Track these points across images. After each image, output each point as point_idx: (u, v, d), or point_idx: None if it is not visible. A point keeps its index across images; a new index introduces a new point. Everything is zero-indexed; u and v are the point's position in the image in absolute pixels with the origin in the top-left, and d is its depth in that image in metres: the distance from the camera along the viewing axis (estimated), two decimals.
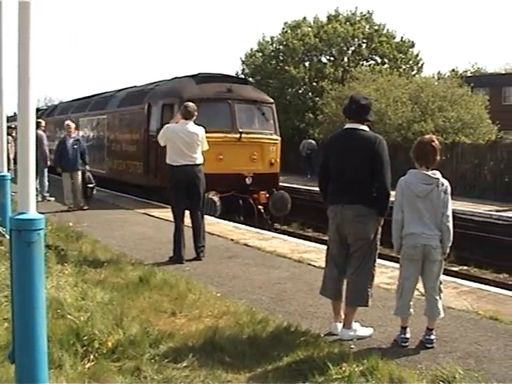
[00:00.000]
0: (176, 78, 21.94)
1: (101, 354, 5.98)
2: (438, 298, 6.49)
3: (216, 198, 17.46)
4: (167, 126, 11.05)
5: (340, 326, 6.79)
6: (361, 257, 6.70)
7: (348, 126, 6.89)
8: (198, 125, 10.80)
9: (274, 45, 50.66)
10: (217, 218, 16.28)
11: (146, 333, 6.47)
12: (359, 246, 6.69)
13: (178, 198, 10.65)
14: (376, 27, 49.01)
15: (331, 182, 6.88)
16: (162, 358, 5.94)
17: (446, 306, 7.18)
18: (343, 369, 5.68)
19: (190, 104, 10.83)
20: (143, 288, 8.39)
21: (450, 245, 6.47)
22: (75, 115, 28.60)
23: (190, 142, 10.54)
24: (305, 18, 51.01)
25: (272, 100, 20.97)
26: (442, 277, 6.74)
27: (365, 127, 6.81)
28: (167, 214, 11.20)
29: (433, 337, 6.48)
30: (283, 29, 50.87)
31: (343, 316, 6.81)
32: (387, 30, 49.07)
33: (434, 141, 6.52)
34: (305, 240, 14.62)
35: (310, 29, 49.15)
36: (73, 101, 34.11)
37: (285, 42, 48.80)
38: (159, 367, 5.78)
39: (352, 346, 6.38)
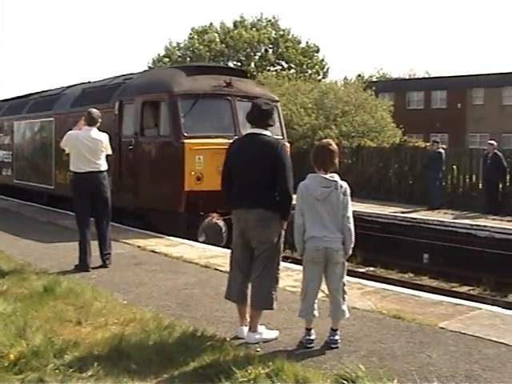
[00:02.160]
0: (152, 69, 19.09)
1: (2, 367, 5.84)
2: (341, 299, 6.59)
3: (221, 223, 14.29)
4: (70, 132, 10.90)
5: (246, 329, 6.81)
6: (265, 260, 6.73)
7: (250, 131, 6.96)
8: (102, 131, 10.73)
9: (181, 50, 50.64)
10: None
11: (50, 343, 6.36)
12: (263, 250, 6.72)
13: (82, 205, 10.51)
14: (282, 32, 49.57)
15: (234, 186, 6.90)
16: (66, 368, 5.86)
17: (350, 306, 7.29)
18: (249, 372, 5.72)
19: (94, 110, 10.73)
20: (48, 297, 8.23)
21: (352, 246, 6.58)
22: (7, 118, 24.74)
23: (94, 148, 10.43)
24: (211, 23, 51.21)
25: (277, 98, 17.95)
26: (347, 278, 6.85)
27: (267, 132, 6.86)
28: (73, 221, 11.01)
29: (337, 337, 6.57)
30: (190, 34, 50.95)
31: (249, 319, 6.83)
32: (293, 35, 49.70)
33: (331, 144, 6.64)
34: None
35: (216, 34, 49.40)
36: (3, 101, 28.10)
37: (192, 48, 48.84)
38: (63, 377, 5.70)
39: (258, 349, 6.42)
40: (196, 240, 13.67)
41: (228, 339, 6.72)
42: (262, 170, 6.68)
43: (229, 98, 15.41)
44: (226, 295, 7.13)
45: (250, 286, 6.86)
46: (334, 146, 6.64)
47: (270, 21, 50.95)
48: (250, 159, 6.75)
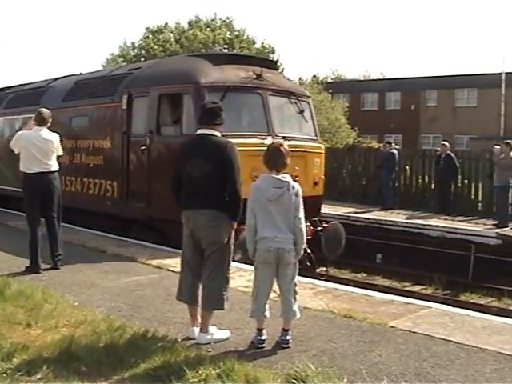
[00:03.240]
0: (170, 56, 15.83)
1: None
2: (293, 299, 6.61)
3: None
4: (20, 132, 10.79)
5: (197, 330, 6.80)
6: (215, 261, 6.74)
7: (200, 131, 6.98)
8: (53, 131, 10.58)
9: (136, 50, 50.39)
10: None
11: None
12: (213, 251, 6.73)
13: (32, 206, 10.37)
14: (236, 33, 49.64)
15: (184, 187, 6.91)
16: (14, 372, 5.79)
17: (302, 306, 7.34)
18: (200, 372, 5.73)
19: (45, 110, 10.60)
20: None
21: (303, 247, 6.62)
22: None
23: (44, 149, 10.31)
24: (166, 23, 51.06)
25: (308, 93, 15.55)
26: (299, 278, 6.88)
27: (217, 133, 6.88)
28: (24, 222, 10.86)
29: (288, 337, 6.60)
30: (145, 34, 50.72)
31: (200, 320, 6.82)
32: (248, 35, 49.79)
33: (282, 145, 6.67)
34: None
35: (171, 34, 49.24)
36: None
37: (146, 48, 48.63)
38: (11, 381, 5.63)
39: (209, 350, 6.43)
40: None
41: (179, 340, 6.72)
42: (211, 171, 6.69)
43: (260, 91, 13.21)
44: (177, 296, 7.12)
45: (200, 286, 6.86)
46: (286, 147, 6.67)
47: (224, 21, 51.03)
48: (200, 160, 6.76)
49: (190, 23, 50.90)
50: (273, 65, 14.76)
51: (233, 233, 6.87)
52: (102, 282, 9.52)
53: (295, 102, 14.13)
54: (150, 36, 50.33)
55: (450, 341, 6.85)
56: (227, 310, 6.99)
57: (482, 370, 6.03)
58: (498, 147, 17.94)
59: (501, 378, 5.84)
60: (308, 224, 11.87)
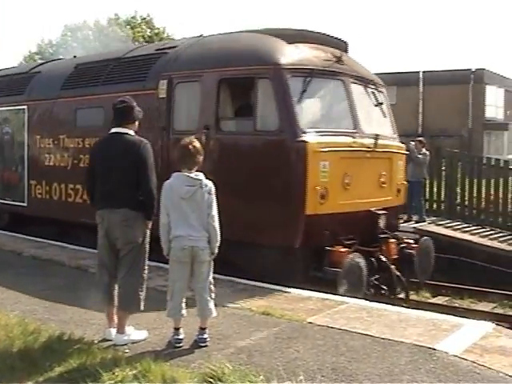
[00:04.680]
0: (228, 33, 12.03)
1: None
2: (208, 297, 6.60)
3: (362, 262, 9.54)
4: None
5: (114, 331, 6.72)
6: (130, 261, 6.68)
7: (113, 130, 6.91)
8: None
9: (54, 47, 49.64)
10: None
11: None
12: (128, 250, 6.67)
13: None
14: (156, 31, 49.44)
15: (98, 187, 6.82)
16: None
17: (220, 304, 7.33)
18: (116, 374, 5.70)
19: None
20: None
21: (218, 245, 6.62)
22: None
23: None
24: (85, 21, 50.47)
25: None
26: (218, 276, 6.87)
27: (130, 131, 6.83)
28: None
29: (206, 335, 6.58)
30: (63, 31, 50.00)
31: (117, 321, 6.74)
32: (167, 33, 49.65)
33: (191, 143, 6.66)
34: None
35: (90, 32, 48.67)
36: None
37: (65, 45, 47.90)
38: None
39: (126, 351, 6.37)
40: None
41: (96, 342, 6.64)
42: (125, 170, 6.63)
43: (342, 78, 10.73)
44: (94, 297, 7.03)
45: (116, 287, 6.78)
46: (197, 145, 6.67)
47: (144, 19, 50.75)
48: (113, 159, 6.69)
49: (109, 21, 50.43)
50: (345, 47, 11.79)
51: (148, 232, 6.81)
52: (17, 284, 9.29)
53: (373, 92, 11.61)
54: (69, 33, 49.67)
55: (367, 335, 6.94)
56: (145, 310, 6.90)
57: (398, 362, 6.12)
58: (413, 143, 18.19)
59: (415, 369, 5.94)
60: (393, 241, 10.78)
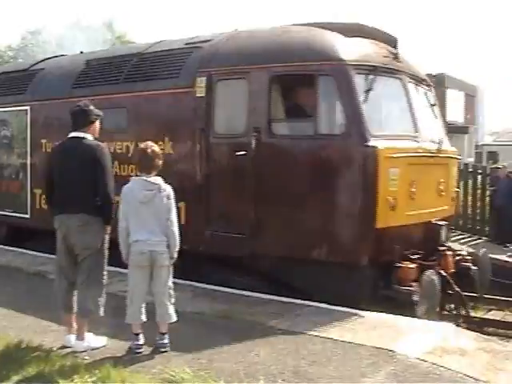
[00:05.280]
0: (283, 26, 10.42)
1: None
2: (168, 302, 6.56)
3: (437, 279, 8.87)
4: None
5: (73, 337, 6.65)
6: (89, 266, 6.61)
7: (71, 134, 6.85)
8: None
9: (14, 51, 49.24)
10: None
11: None
12: (86, 256, 6.60)
13: None
14: (117, 34, 49.33)
15: (56, 191, 6.76)
16: None
17: (181, 309, 7.26)
18: (74, 381, 5.69)
19: None
20: None
21: (177, 249, 6.60)
22: None
23: None
24: (45, 25, 50.21)
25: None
26: (178, 280, 6.83)
27: (87, 135, 6.76)
28: None
29: (166, 341, 6.54)
30: (23, 35, 49.63)
31: (76, 327, 6.66)
32: (128, 38, 49.56)
33: (149, 147, 6.64)
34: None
35: (51, 36, 48.39)
36: None
37: (25, 49, 47.59)
38: None
39: (85, 357, 6.30)
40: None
41: (55, 349, 6.57)
42: (82, 175, 6.57)
43: (401, 76, 9.78)
44: (52, 303, 6.95)
45: (75, 293, 6.70)
46: (155, 149, 6.65)
47: (105, 23, 50.54)
48: (71, 163, 6.63)
49: (70, 25, 50.15)
50: (396, 43, 10.43)
51: (107, 237, 6.74)
52: None
53: (425, 92, 10.62)
54: (30, 37, 49.31)
55: (328, 338, 6.95)
56: (104, 316, 6.83)
57: (358, 365, 6.15)
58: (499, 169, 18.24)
59: (376, 372, 5.98)
60: (450, 253, 9.77)
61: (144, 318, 6.55)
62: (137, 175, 6.72)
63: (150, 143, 6.75)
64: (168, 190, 6.57)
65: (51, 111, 12.34)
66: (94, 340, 6.66)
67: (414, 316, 8.14)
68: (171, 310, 6.58)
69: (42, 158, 12.06)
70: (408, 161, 8.87)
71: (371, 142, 8.48)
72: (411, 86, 9.90)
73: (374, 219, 8.45)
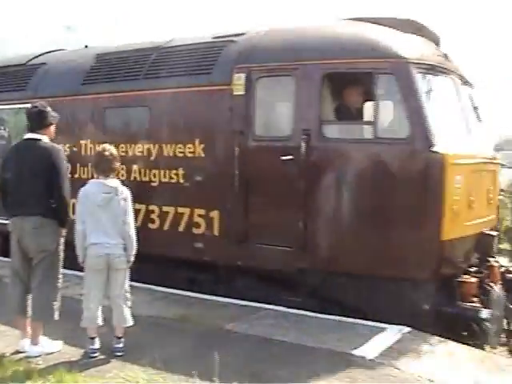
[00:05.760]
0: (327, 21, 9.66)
1: None
2: (124, 306, 6.52)
3: (503, 295, 8.57)
4: None
5: (28, 342, 6.55)
6: (44, 269, 6.51)
7: (26, 136, 6.76)
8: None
9: None
10: None
11: None
12: (41, 259, 6.50)
13: None
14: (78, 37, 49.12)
15: (10, 194, 6.66)
16: None
17: (138, 313, 7.19)
18: None
19: None
20: None
21: (134, 253, 6.54)
22: None
23: None
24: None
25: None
26: (136, 284, 6.78)
27: (43, 137, 6.67)
28: None
29: (122, 345, 6.50)
30: None
31: (30, 332, 6.57)
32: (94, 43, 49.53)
33: (106, 150, 6.60)
34: None
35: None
36: None
37: None
38: None
39: (39, 362, 6.22)
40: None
41: (8, 354, 6.45)
42: (37, 177, 6.48)
43: (453, 76, 9.09)
44: (7, 307, 6.84)
45: (30, 296, 6.61)
46: (112, 152, 6.61)
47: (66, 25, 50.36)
48: (25, 166, 6.54)
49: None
50: (439, 40, 9.73)
51: (62, 240, 6.66)
52: None
53: (470, 94, 9.84)
54: None
55: (285, 341, 6.95)
56: (60, 320, 6.72)
57: (315, 368, 6.15)
58: None
59: (332, 374, 6.00)
60: (497, 265, 8.96)
61: (100, 321, 6.49)
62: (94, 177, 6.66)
63: (107, 146, 6.72)
64: (125, 192, 6.53)
65: (58, 109, 10.21)
66: (48, 344, 6.57)
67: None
68: (128, 313, 6.53)
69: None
70: (471, 168, 8.31)
71: (438, 147, 7.75)
72: (461, 87, 9.24)
73: (440, 231, 7.75)
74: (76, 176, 10.15)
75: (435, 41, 9.46)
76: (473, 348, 7.29)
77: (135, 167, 9.84)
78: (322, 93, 8.39)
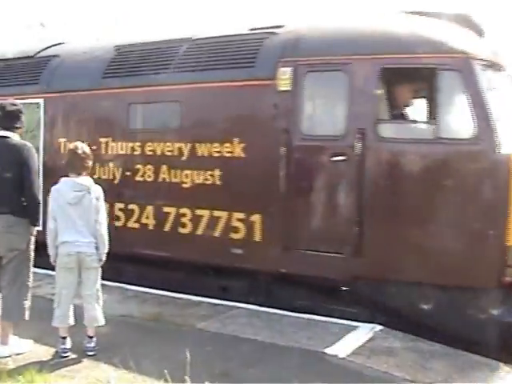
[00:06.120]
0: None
1: None
2: (96, 305, 6.48)
3: None
4: None
5: None
6: (14, 269, 6.44)
7: None
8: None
9: None
10: None
11: None
12: (11, 258, 6.42)
13: None
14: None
15: None
16: None
17: (110, 312, 7.15)
18: None
19: None
20: None
21: (106, 251, 6.50)
22: None
23: None
24: None
25: None
26: (108, 282, 6.74)
27: (14, 135, 6.58)
28: None
29: (93, 344, 6.45)
30: None
31: (0, 332, 6.50)
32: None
33: (78, 148, 6.55)
34: None
35: None
36: None
37: None
38: None
39: (9, 363, 6.14)
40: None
41: None
42: (8, 174, 6.40)
43: (508, 73, 8.63)
44: None
45: (0, 296, 6.54)
46: (85, 150, 6.56)
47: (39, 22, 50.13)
48: None
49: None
50: (484, 35, 9.08)
51: (33, 239, 6.60)
52: None
53: None
54: None
55: (257, 340, 6.97)
56: (31, 320, 6.65)
57: (287, 367, 6.16)
58: None
59: (304, 373, 6.00)
60: None
61: (72, 321, 6.44)
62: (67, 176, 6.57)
63: (79, 143, 6.67)
64: (98, 191, 6.48)
65: (73, 105, 10.45)
66: (18, 344, 6.50)
67: None
68: (99, 312, 6.49)
69: (60, 160, 9.36)
70: None
71: (505, 149, 7.28)
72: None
73: (506, 237, 7.25)
74: (95, 177, 8.93)
75: (481, 35, 8.89)
76: (446, 346, 7.25)
77: (164, 167, 9.23)
78: (378, 89, 7.89)
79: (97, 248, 6.42)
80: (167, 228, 9.07)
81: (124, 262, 9.33)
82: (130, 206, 9.55)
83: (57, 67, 10.96)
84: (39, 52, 11.66)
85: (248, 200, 8.54)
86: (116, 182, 9.71)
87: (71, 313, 6.44)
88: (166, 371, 5.68)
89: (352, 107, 7.89)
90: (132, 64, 9.94)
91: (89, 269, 6.40)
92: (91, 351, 6.41)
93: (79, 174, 6.44)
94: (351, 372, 6.10)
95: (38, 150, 9.74)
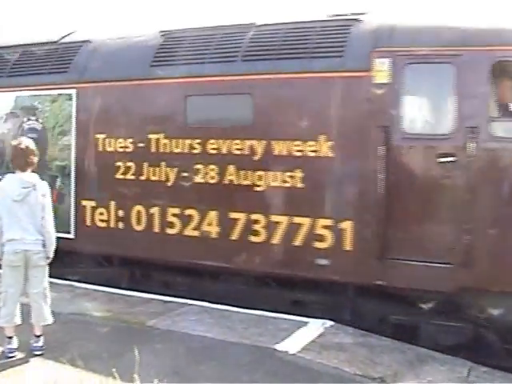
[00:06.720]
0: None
1: None
2: (43, 303, 6.38)
3: None
4: None
5: None
6: None
7: None
8: None
9: None
10: None
11: None
12: None
13: None
14: None
15: None
16: None
17: (59, 310, 7.08)
18: None
19: None
20: None
21: (53, 249, 6.40)
22: None
23: None
24: None
25: None
26: (57, 280, 6.64)
27: None
28: None
29: (41, 343, 6.36)
30: None
31: None
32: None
33: (21, 143, 6.46)
34: None
35: None
36: None
37: None
38: None
39: None
40: None
41: None
42: None
43: None
44: None
45: None
46: (29, 146, 6.46)
47: None
48: None
49: None
50: None
51: None
52: None
53: None
54: None
55: (208, 336, 6.94)
56: None
57: (238, 364, 6.17)
58: None
59: (255, 370, 6.02)
60: None
61: (18, 320, 6.34)
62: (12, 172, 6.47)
63: (23, 139, 6.60)
64: (44, 187, 6.38)
65: (114, 98, 9.43)
66: None
67: None
68: (47, 311, 6.40)
69: (97, 159, 9.33)
70: None
71: None
72: None
73: None
74: (143, 178, 8.86)
75: None
76: (396, 341, 7.31)
77: (231, 168, 8.30)
78: (492, 84, 7.17)
79: (44, 245, 6.31)
80: (234, 236, 8.29)
81: (174, 274, 8.97)
82: (188, 212, 8.65)
83: (89, 54, 9.85)
84: (64, 37, 10.47)
85: (337, 205, 7.76)
86: (169, 183, 8.79)
87: (18, 312, 6.34)
88: (114, 370, 5.64)
89: (461, 103, 7.18)
90: (186, 51, 8.95)
91: (36, 267, 6.29)
92: (39, 350, 6.31)
93: (24, 171, 6.33)
94: (301, 368, 6.12)
95: (68, 146, 9.65)
